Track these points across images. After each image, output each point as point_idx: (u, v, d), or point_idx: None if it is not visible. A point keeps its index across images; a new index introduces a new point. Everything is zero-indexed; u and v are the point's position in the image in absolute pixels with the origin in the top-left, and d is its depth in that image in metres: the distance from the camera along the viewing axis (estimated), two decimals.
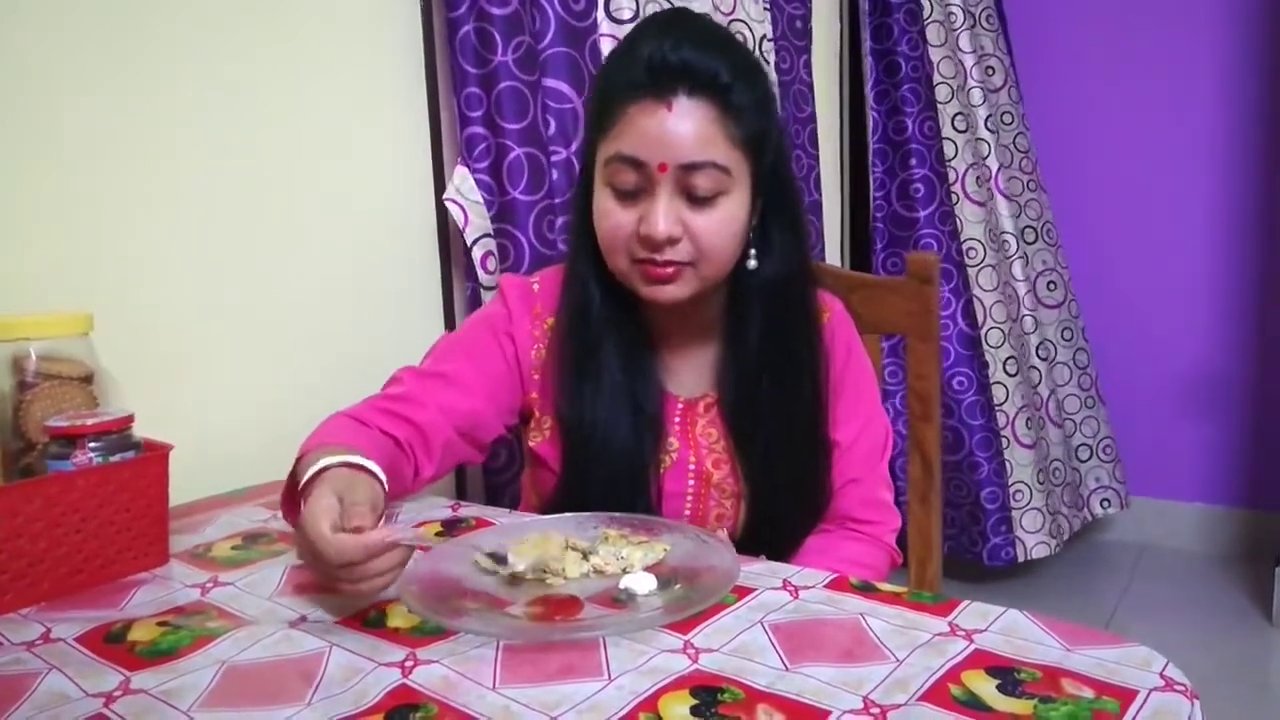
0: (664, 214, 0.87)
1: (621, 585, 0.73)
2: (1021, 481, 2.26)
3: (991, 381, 2.24)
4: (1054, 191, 2.57)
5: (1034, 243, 2.35)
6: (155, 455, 0.84)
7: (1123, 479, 2.55)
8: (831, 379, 1.02)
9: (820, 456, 1.02)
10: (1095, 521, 2.61)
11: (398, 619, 0.70)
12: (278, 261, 1.20)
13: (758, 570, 0.78)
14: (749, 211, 0.92)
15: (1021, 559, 2.28)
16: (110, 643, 0.68)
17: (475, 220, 1.31)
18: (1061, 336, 2.42)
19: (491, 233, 1.33)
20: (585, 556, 0.78)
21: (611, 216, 0.91)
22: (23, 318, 0.87)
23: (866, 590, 0.74)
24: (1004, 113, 2.29)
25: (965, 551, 2.33)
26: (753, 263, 0.95)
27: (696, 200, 0.88)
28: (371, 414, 0.95)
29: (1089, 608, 2.29)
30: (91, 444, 0.81)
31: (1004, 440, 2.24)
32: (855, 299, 1.20)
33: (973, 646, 0.63)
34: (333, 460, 0.77)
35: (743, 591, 0.73)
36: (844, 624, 0.67)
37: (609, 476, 0.96)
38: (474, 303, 1.36)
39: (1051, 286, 2.40)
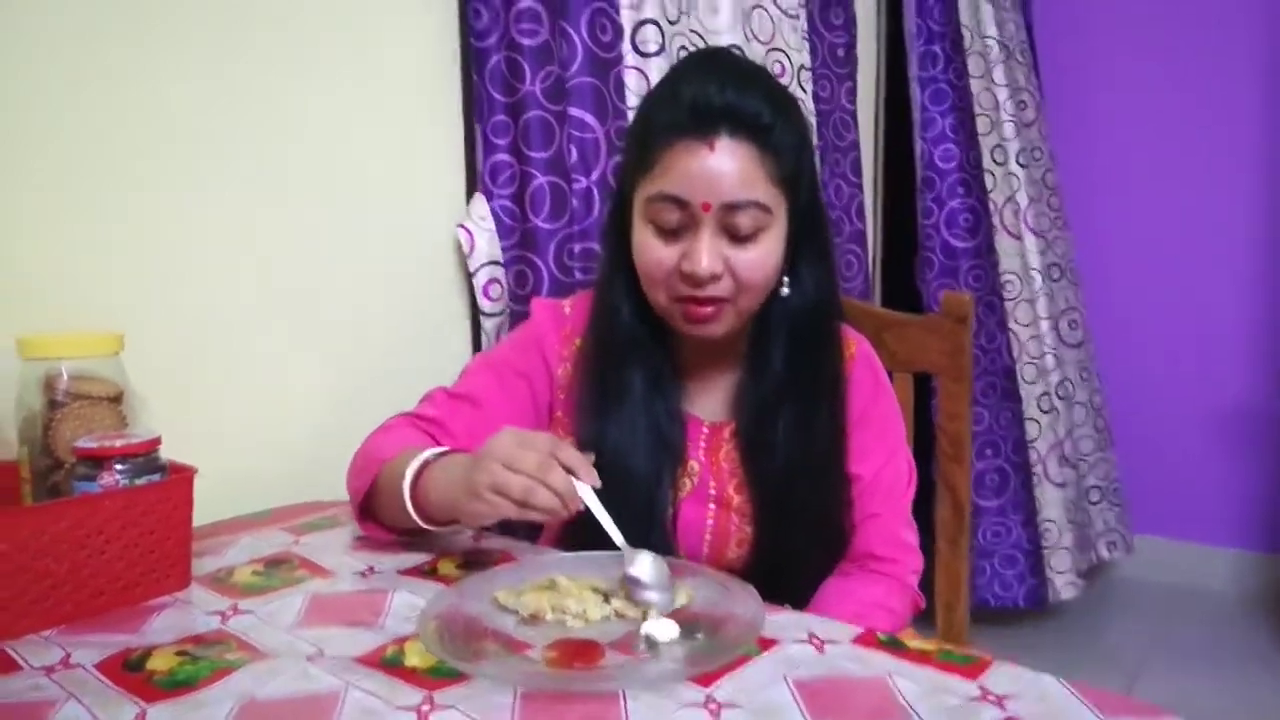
0: (708, 252, 0.89)
1: (643, 631, 0.72)
2: (1051, 520, 2.23)
3: (1025, 417, 2.21)
4: (1082, 226, 2.55)
5: (1058, 280, 2.32)
6: (180, 479, 0.84)
7: (1128, 523, 2.52)
8: (855, 413, 1.02)
9: (837, 489, 1.01)
10: (1119, 564, 2.56)
11: (415, 657, 0.69)
12: (310, 284, 1.21)
13: (782, 621, 0.76)
14: (785, 245, 0.94)
15: (1052, 599, 2.24)
16: (129, 670, 0.68)
17: (482, 246, 1.32)
18: (1079, 377, 2.38)
19: (500, 260, 1.33)
20: (607, 599, 0.77)
21: (653, 252, 0.92)
22: (54, 337, 0.87)
23: (894, 647, 0.72)
24: (1034, 148, 2.27)
25: (998, 597, 2.30)
26: (785, 290, 0.97)
27: (738, 238, 0.89)
28: (415, 434, 0.98)
29: (1117, 652, 2.25)
30: (118, 466, 0.81)
31: (1035, 478, 2.21)
32: (888, 337, 1.19)
33: (1004, 715, 0.61)
34: (440, 450, 0.88)
35: (766, 642, 0.71)
36: (871, 684, 0.65)
37: (625, 499, 0.95)
38: (474, 331, 1.36)
39: (1073, 325, 2.37)
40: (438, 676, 0.66)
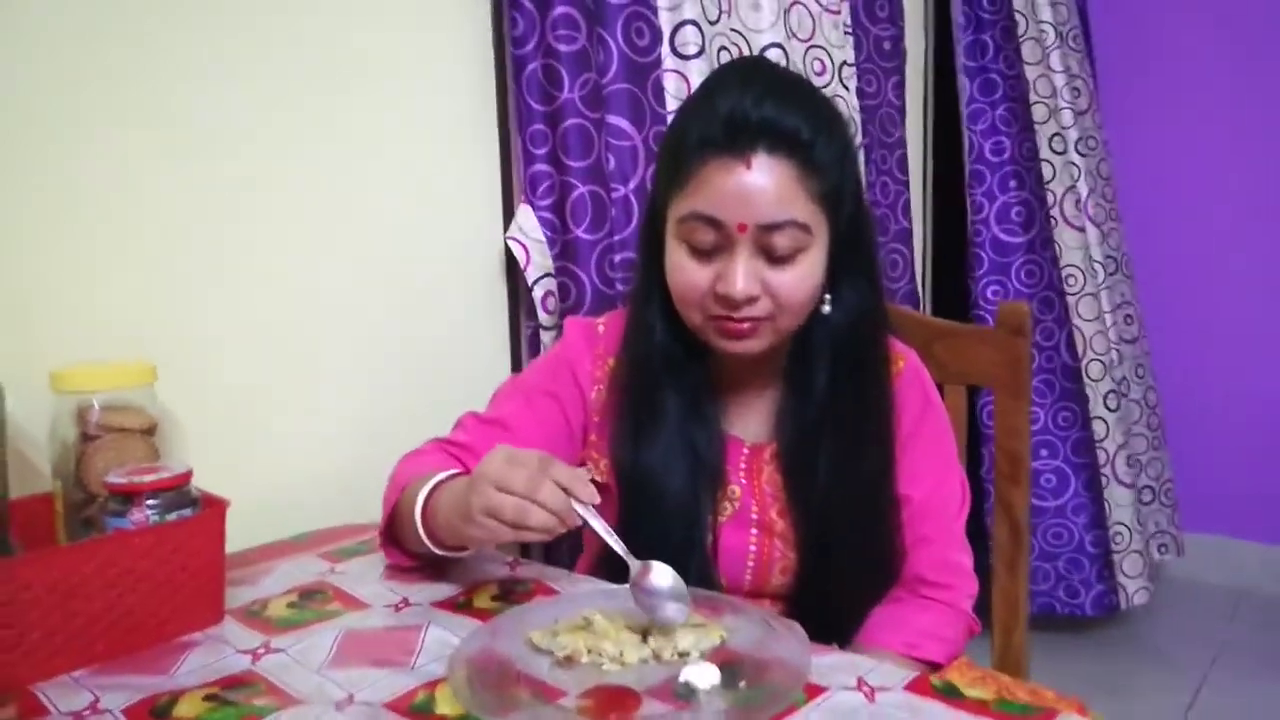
0: (743, 274, 0.84)
1: (681, 678, 0.69)
2: (1122, 523, 2.14)
3: (1091, 416, 2.12)
4: (1133, 218, 2.45)
5: (1114, 273, 2.24)
6: (212, 512, 0.83)
7: (1178, 524, 2.43)
8: (904, 432, 0.97)
9: (887, 513, 0.97)
10: (1169, 565, 2.47)
11: (445, 704, 0.67)
12: (343, 304, 1.19)
13: (830, 663, 0.72)
14: (826, 262, 0.89)
15: (1124, 606, 2.16)
16: (155, 717, 0.66)
17: (537, 259, 1.28)
18: (1135, 374, 2.30)
19: (553, 272, 1.30)
20: (645, 637, 0.74)
21: (686, 273, 0.88)
22: (87, 369, 0.86)
23: (950, 695, 0.67)
24: (1089, 136, 2.18)
25: (1064, 604, 2.22)
26: (827, 308, 0.92)
27: (776, 258, 0.85)
28: (440, 458, 0.97)
29: (1176, 659, 2.16)
30: (149, 501, 0.80)
31: (1104, 479, 2.13)
32: (939, 348, 1.14)
33: None
34: (450, 473, 0.86)
35: (814, 689, 0.67)
36: None
37: (663, 525, 0.93)
38: (533, 343, 1.33)
39: (1128, 320, 2.28)
40: None
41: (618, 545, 0.77)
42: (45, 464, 0.87)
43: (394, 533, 0.93)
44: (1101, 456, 2.13)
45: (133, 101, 0.99)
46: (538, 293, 1.29)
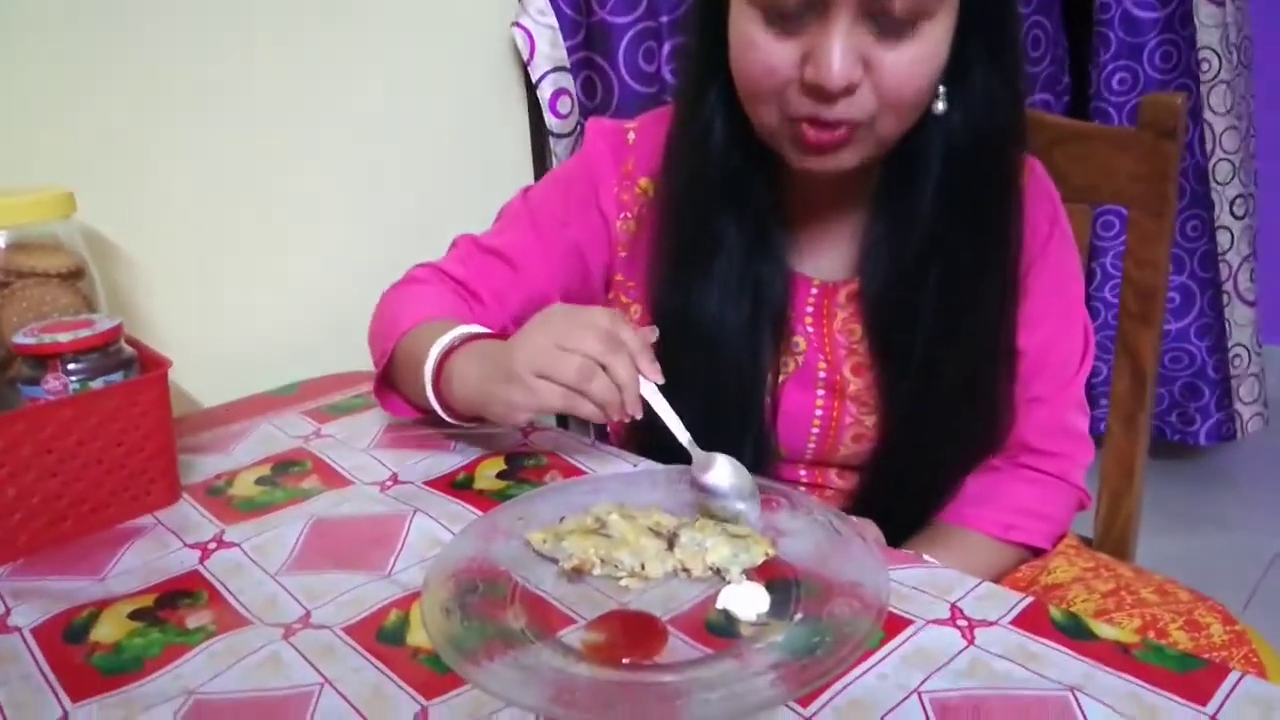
0: (840, 52, 0.60)
1: (719, 604, 0.53)
2: (1241, 345, 1.91)
3: (1216, 226, 1.84)
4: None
5: (1241, 61, 1.87)
6: (150, 378, 0.68)
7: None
8: (1023, 265, 0.74)
9: (1003, 374, 0.76)
10: None
11: (420, 632, 0.53)
12: (326, 108, 0.98)
13: (912, 582, 0.56)
14: (950, 38, 0.64)
15: (1240, 436, 1.96)
16: (69, 641, 0.54)
17: (544, 49, 1.04)
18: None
19: (567, 65, 1.06)
20: (670, 544, 0.58)
21: (760, 52, 0.63)
22: None
23: (1076, 634, 0.51)
24: None
25: (1176, 430, 2.02)
26: (941, 105, 0.67)
27: (888, 30, 0.60)
28: (448, 297, 0.81)
29: (1257, 493, 1.98)
30: (71, 365, 0.65)
31: (1225, 295, 1.88)
32: (1060, 154, 0.90)
33: None
34: (475, 330, 0.71)
35: (893, 623, 0.52)
36: (1046, 706, 0.45)
37: (716, 383, 0.75)
38: (538, 155, 1.12)
39: (1238, 118, 1.92)
40: (444, 672, 0.50)
41: (683, 434, 0.65)
42: None
43: (392, 377, 0.79)
44: (1224, 270, 1.86)
45: None
46: (544, 92, 1.06)
